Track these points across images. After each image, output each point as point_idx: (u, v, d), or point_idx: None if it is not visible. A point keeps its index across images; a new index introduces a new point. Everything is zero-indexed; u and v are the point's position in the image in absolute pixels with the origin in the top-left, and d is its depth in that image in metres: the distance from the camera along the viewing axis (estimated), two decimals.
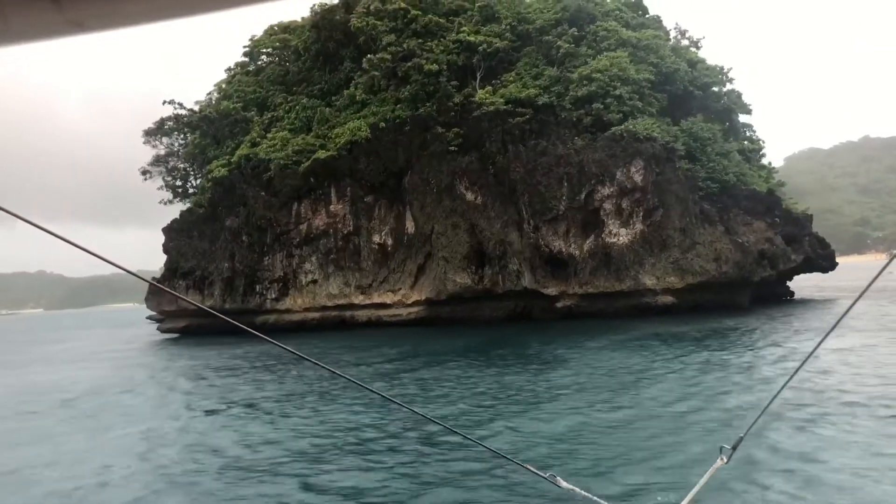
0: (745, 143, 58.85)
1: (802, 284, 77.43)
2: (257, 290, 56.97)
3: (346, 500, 11.97)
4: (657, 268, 47.15)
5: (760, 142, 60.09)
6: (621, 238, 47.32)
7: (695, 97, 54.95)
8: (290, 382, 27.71)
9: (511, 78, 55.28)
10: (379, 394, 3.70)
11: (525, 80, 54.53)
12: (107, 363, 41.30)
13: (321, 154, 55.27)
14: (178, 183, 76.29)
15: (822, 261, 55.09)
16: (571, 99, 51.44)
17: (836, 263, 57.10)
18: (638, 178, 47.37)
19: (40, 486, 14.03)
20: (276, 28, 76.66)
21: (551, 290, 48.57)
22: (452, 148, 53.08)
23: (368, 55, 57.87)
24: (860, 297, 2.92)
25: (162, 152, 72.82)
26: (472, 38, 56.96)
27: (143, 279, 3.06)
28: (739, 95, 59.92)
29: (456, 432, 4.09)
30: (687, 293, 46.78)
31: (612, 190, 47.46)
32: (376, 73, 56.95)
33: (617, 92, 50.42)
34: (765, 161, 66.69)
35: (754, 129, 61.78)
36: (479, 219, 51.04)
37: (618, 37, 54.40)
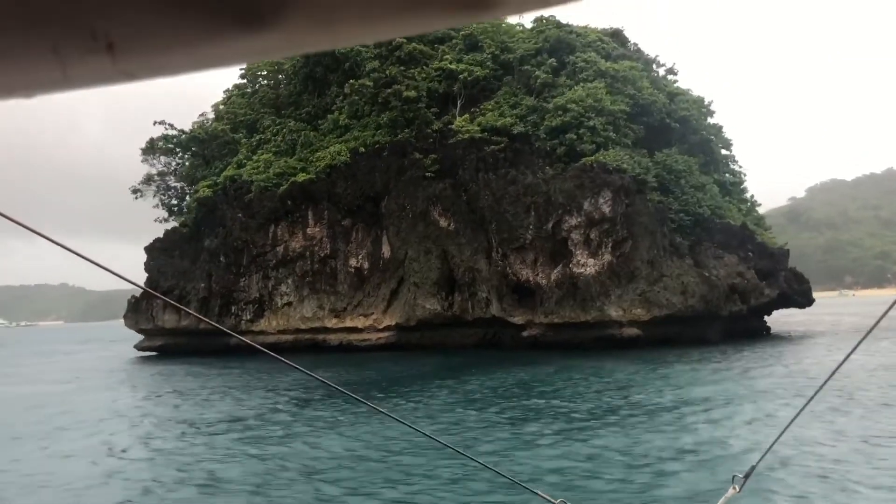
0: (727, 175, 59.09)
1: (791, 319, 77.22)
2: (233, 310, 57.92)
3: None
4: (623, 299, 47.43)
5: (742, 175, 60.39)
6: (588, 268, 47.73)
7: (672, 129, 55.41)
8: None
9: (490, 106, 56.16)
10: (397, 418, 3.76)
11: (503, 108, 55.38)
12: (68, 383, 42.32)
13: (300, 177, 56.41)
14: (175, 202, 77.90)
15: (798, 296, 55.04)
16: (546, 129, 52.17)
17: (813, 300, 56.97)
18: (606, 209, 47.86)
19: None
20: None
21: (518, 319, 49.00)
22: (429, 174, 53.93)
23: (351, 80, 59.11)
24: (866, 336, 2.91)
25: (154, 171, 74.40)
26: (453, 67, 58.02)
27: (155, 294, 3.41)
28: (720, 129, 60.39)
29: (466, 455, 4.10)
30: (653, 326, 46.97)
31: (579, 220, 47.96)
32: (356, 98, 58.10)
33: (591, 123, 51.09)
34: (749, 195, 67.04)
35: (737, 161, 61.99)
36: (451, 245, 51.75)
37: (596, 68, 55.16)
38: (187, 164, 74.30)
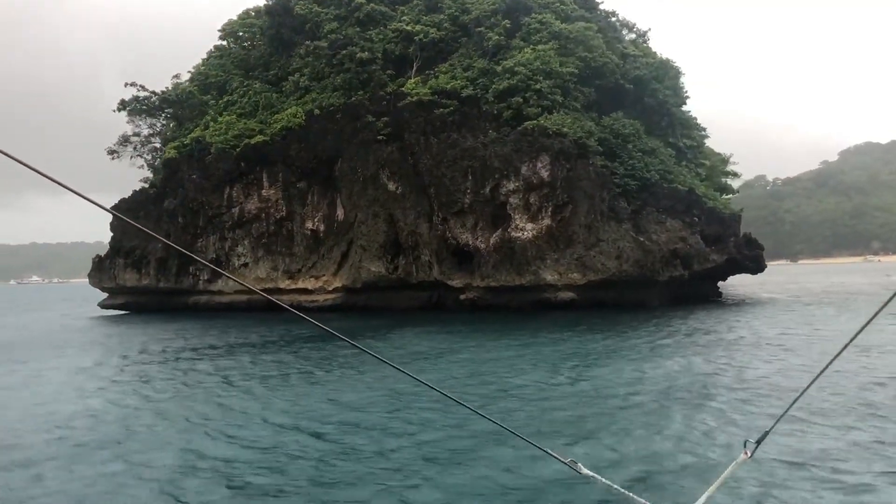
0: (684, 140, 59.05)
1: (754, 283, 77.29)
2: (190, 270, 59.82)
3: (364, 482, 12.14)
4: (560, 263, 48.33)
5: (703, 138, 60.15)
6: (526, 233, 48.63)
7: (626, 91, 55.58)
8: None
9: (444, 69, 56.75)
10: (411, 375, 3.78)
11: (457, 71, 55.93)
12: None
13: (254, 139, 57.71)
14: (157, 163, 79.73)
15: (749, 262, 55.35)
16: (494, 92, 52.72)
17: (765, 265, 57.21)
18: (544, 173, 48.55)
19: None
20: (251, 13, 79.15)
21: (457, 282, 50.19)
22: (381, 137, 54.85)
23: (307, 42, 59.98)
24: (883, 307, 2.89)
25: (130, 132, 76.16)
26: (409, 28, 58.54)
27: (184, 251, 3.44)
28: (679, 91, 60.14)
29: (479, 413, 4.12)
30: (589, 290, 47.90)
31: (517, 185, 48.73)
32: (310, 60, 59.00)
33: (537, 86, 51.53)
34: (722, 157, 67.07)
35: (703, 127, 61.93)
36: (396, 209, 52.87)
37: (550, 29, 55.33)
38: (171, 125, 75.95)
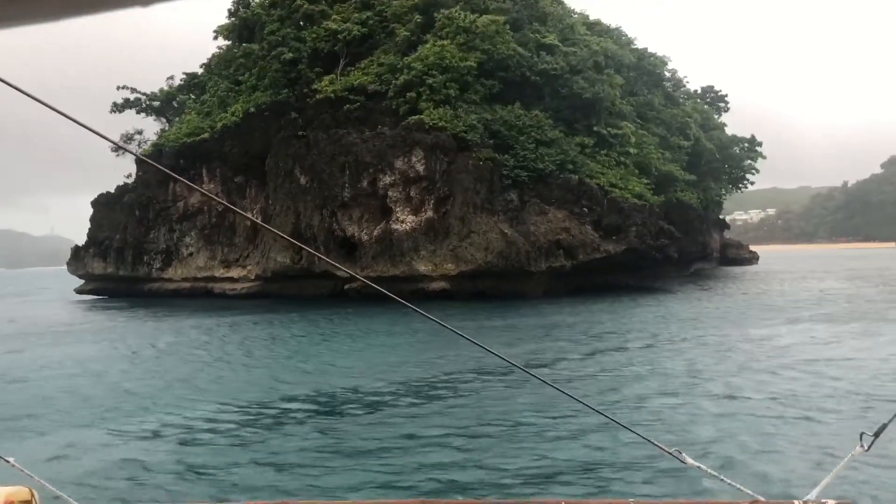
0: (608, 130, 58.92)
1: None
2: (145, 259, 66.12)
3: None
4: (437, 255, 50.64)
5: (624, 128, 59.67)
6: (405, 225, 51.21)
7: (533, 83, 56.67)
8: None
9: (364, 65, 59.80)
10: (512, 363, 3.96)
11: (372, 67, 58.85)
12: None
13: (191, 138, 63.03)
14: None
15: (655, 252, 55.11)
16: (394, 88, 55.36)
17: (673, 256, 56.67)
18: (420, 167, 50.94)
19: None
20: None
21: (342, 273, 53.37)
22: (301, 134, 58.70)
23: (244, 45, 64.67)
24: None
25: (132, 130, 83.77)
26: (335, 26, 61.84)
27: (246, 216, 5.34)
28: (595, 82, 59.75)
29: (583, 403, 4.20)
30: (462, 280, 49.94)
31: (394, 178, 51.37)
32: (241, 62, 63.62)
33: (430, 81, 53.73)
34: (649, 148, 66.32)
35: (627, 118, 61.66)
36: (300, 202, 56.62)
37: (458, 24, 57.09)
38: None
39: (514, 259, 49.54)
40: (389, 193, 51.84)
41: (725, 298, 50.20)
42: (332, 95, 57.04)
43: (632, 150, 59.83)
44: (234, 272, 61.13)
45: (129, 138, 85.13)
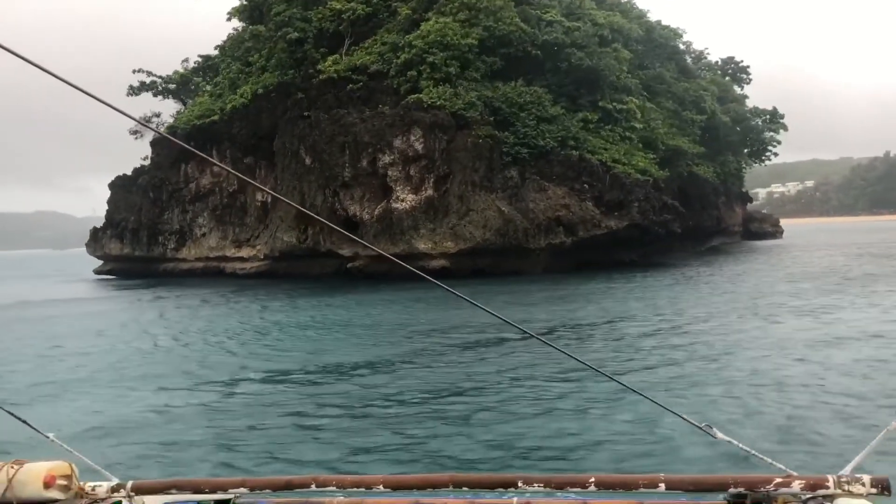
0: (613, 105, 58.72)
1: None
2: (159, 240, 67.84)
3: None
4: (437, 233, 51.30)
5: (629, 103, 59.37)
6: (406, 203, 51.91)
7: (535, 59, 56.73)
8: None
9: (368, 45, 60.29)
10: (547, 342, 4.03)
11: (374, 47, 59.33)
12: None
13: (198, 121, 64.28)
14: None
15: (658, 227, 55.06)
16: (395, 67, 55.84)
17: (677, 230, 56.60)
18: (419, 146, 51.50)
19: None
20: None
21: (346, 252, 54.35)
22: (306, 114, 59.55)
23: (252, 26, 65.51)
24: None
25: (150, 114, 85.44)
26: (338, 6, 62.32)
27: (289, 202, 4.55)
28: (597, 55, 59.35)
29: (615, 380, 4.32)
30: (461, 258, 50.56)
31: (393, 158, 52.01)
32: (248, 45, 64.50)
33: (431, 59, 54.09)
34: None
35: (634, 92, 61.34)
36: (305, 182, 57.55)
37: (461, 0, 57.21)
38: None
39: (511, 236, 50.02)
40: (389, 172, 52.50)
41: (713, 276, 48.10)
42: (336, 75, 57.70)
43: (637, 125, 59.62)
44: (244, 252, 62.45)
45: (147, 120, 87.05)
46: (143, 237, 68.12)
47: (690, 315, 28.07)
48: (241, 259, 62.44)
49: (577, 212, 51.93)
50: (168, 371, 20.87)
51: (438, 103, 51.73)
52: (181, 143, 6.79)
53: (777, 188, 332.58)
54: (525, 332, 4.30)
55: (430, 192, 52.18)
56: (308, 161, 58.19)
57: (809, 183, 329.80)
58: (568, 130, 54.77)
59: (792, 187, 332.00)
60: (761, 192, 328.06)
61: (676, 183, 68.60)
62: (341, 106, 56.63)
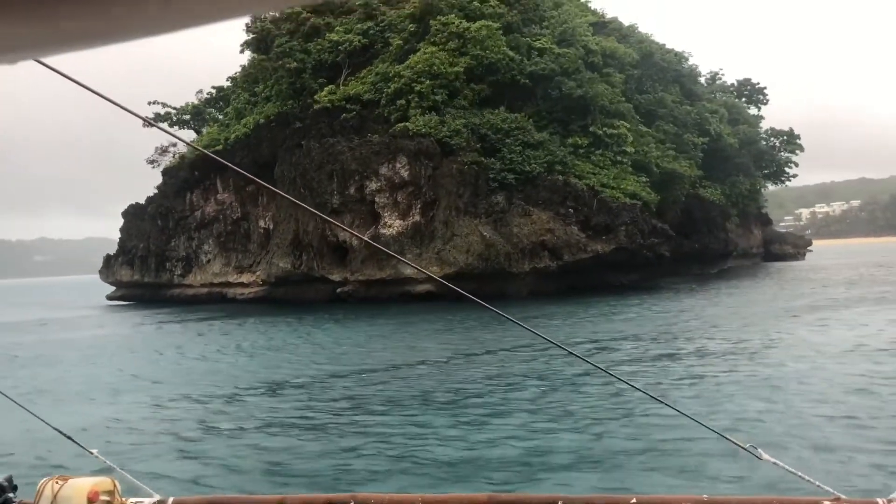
0: (603, 130, 59.47)
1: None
2: (167, 266, 70.24)
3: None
4: (423, 258, 52.56)
5: (620, 128, 60.00)
6: (392, 229, 53.38)
7: (523, 87, 57.97)
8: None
9: (363, 75, 62.21)
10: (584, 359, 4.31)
11: (367, 77, 61.20)
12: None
13: (214, 148, 66.59)
14: None
15: (646, 251, 55.46)
16: (386, 96, 57.59)
17: (663, 253, 56.85)
18: (405, 173, 52.99)
19: None
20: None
21: (336, 276, 55.91)
22: (301, 143, 61.55)
23: (252, 56, 68.04)
24: None
25: (166, 143, 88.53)
26: (336, 37, 64.44)
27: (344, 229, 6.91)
28: (582, 83, 59.84)
29: (654, 398, 4.53)
30: (447, 282, 51.61)
31: (380, 184, 53.57)
32: (251, 73, 66.93)
33: (418, 88, 55.72)
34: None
35: (624, 116, 62.01)
36: (299, 209, 59.31)
37: (451, 30, 58.80)
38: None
39: (493, 261, 51.07)
40: (377, 199, 54.08)
41: (695, 303, 47.77)
42: (330, 105, 59.68)
43: (629, 150, 60.30)
44: (245, 277, 64.42)
45: (163, 150, 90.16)
46: (151, 264, 70.65)
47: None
48: (242, 284, 64.38)
49: (562, 236, 52.77)
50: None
51: (424, 131, 53.22)
52: (220, 159, 7.46)
53: (820, 208, 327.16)
54: (572, 354, 4.52)
55: (417, 217, 53.58)
56: (302, 189, 60.06)
57: (855, 202, 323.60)
58: (555, 155, 55.77)
59: (837, 207, 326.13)
60: (805, 212, 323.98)
61: (678, 206, 69.10)
62: (334, 135, 58.48)
